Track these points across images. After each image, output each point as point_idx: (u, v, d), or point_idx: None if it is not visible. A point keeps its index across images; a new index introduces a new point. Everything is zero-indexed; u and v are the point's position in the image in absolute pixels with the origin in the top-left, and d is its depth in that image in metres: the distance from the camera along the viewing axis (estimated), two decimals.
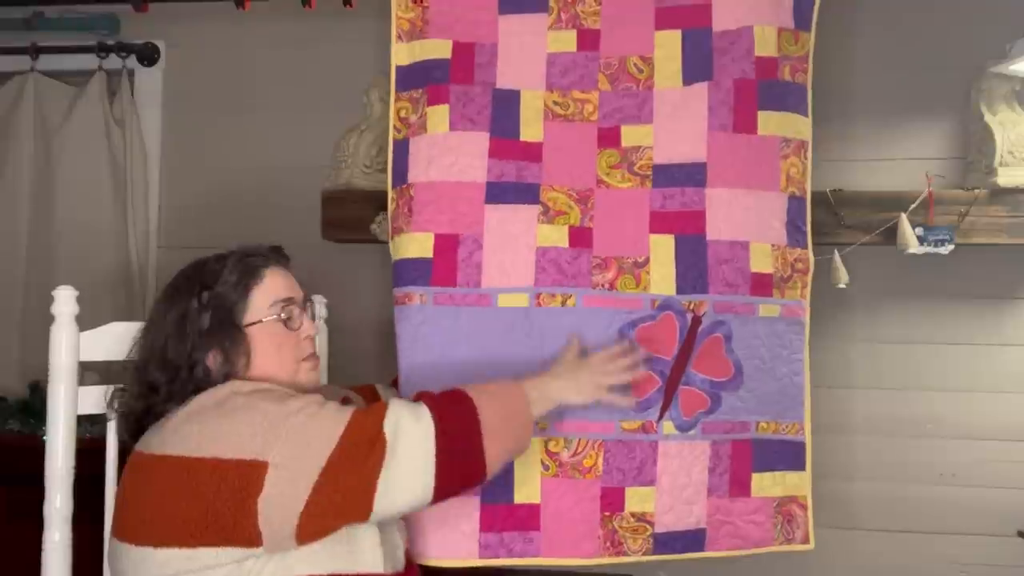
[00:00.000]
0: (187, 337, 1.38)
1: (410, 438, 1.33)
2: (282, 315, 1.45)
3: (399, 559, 1.47)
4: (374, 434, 1.31)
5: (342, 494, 1.28)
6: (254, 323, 1.42)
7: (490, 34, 1.94)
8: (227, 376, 1.39)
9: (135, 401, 1.40)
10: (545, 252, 1.84)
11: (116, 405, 1.47)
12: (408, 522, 1.66)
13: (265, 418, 1.28)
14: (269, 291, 1.45)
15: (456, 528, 1.75)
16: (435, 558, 1.75)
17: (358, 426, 1.32)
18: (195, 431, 1.28)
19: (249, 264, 1.45)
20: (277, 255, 1.51)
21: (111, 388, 1.50)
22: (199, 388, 1.36)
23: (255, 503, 1.23)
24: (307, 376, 1.49)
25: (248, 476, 1.23)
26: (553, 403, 1.59)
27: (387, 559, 1.39)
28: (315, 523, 1.27)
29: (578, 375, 1.64)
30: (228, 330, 1.40)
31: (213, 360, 1.39)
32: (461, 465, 1.39)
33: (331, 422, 1.31)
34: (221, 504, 1.22)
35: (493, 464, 1.44)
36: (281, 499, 1.24)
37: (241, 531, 1.23)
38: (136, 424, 1.40)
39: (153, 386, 1.38)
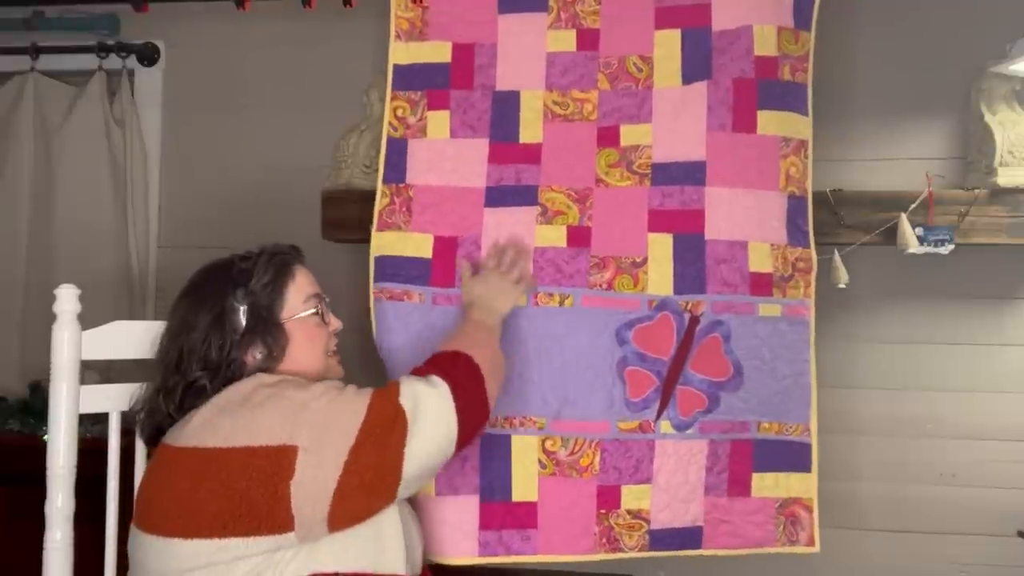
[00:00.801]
0: (226, 335, 1.40)
1: (430, 403, 1.40)
2: (317, 309, 1.51)
3: (417, 561, 1.49)
4: (394, 411, 1.36)
5: (372, 471, 1.32)
6: (291, 318, 1.46)
7: (490, 34, 1.95)
8: (264, 372, 1.42)
9: (166, 400, 1.40)
10: (544, 252, 1.87)
11: (142, 404, 1.47)
12: None
13: (291, 404, 1.32)
14: (302, 287, 1.50)
15: (456, 527, 1.79)
16: (435, 556, 1.78)
17: (379, 405, 1.36)
18: (225, 424, 1.30)
19: (281, 262, 1.49)
20: (299, 253, 1.56)
21: (141, 386, 1.50)
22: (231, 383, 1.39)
23: (287, 488, 1.25)
24: (335, 371, 1.56)
25: (279, 462, 1.26)
26: (500, 319, 1.74)
27: (408, 561, 1.41)
28: (347, 505, 1.29)
29: (494, 287, 1.76)
30: (267, 327, 1.44)
31: (252, 357, 1.42)
32: (475, 414, 1.50)
33: (353, 403, 1.36)
34: (254, 491, 1.24)
35: (493, 402, 1.57)
36: (313, 483, 1.27)
37: (274, 517, 1.24)
38: (161, 423, 1.41)
39: (193, 384, 1.39)
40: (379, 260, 1.89)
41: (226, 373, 1.39)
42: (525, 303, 1.82)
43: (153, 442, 1.43)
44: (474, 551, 1.80)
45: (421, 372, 1.50)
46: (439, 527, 1.79)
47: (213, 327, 1.40)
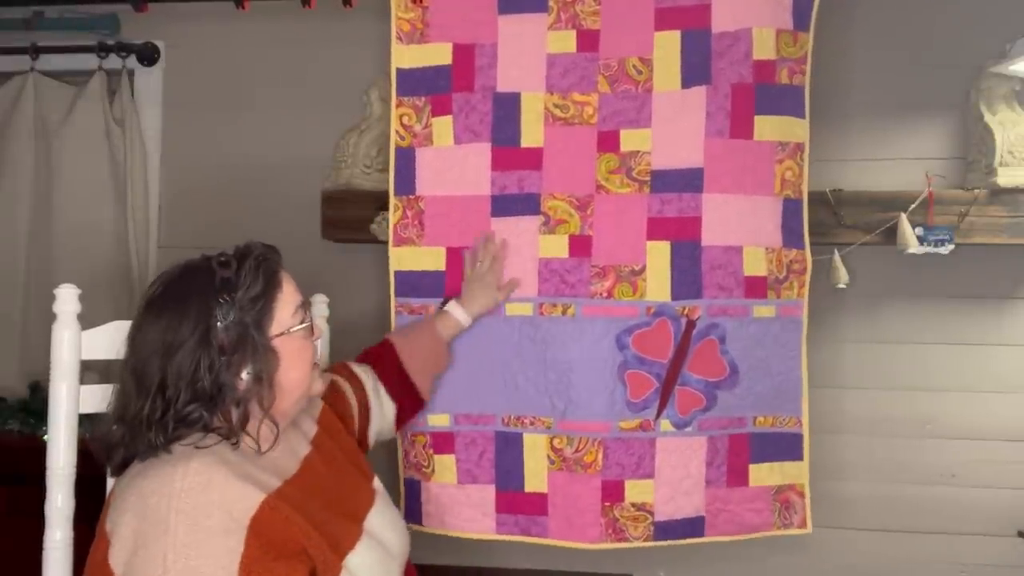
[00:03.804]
0: (213, 356, 1.24)
1: None
2: (305, 322, 1.36)
3: (403, 557, 1.46)
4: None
5: None
6: (281, 334, 1.32)
7: (490, 34, 1.96)
8: (258, 395, 1.28)
9: (157, 432, 1.22)
10: (547, 263, 1.93)
11: (113, 426, 1.29)
12: (437, 500, 1.94)
13: (160, 565, 1.13)
14: (289, 298, 1.34)
15: (477, 508, 1.94)
16: (458, 530, 1.96)
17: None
18: (129, 520, 1.17)
19: (268, 269, 1.32)
20: (280, 256, 1.38)
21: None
22: (219, 412, 1.27)
23: None
24: (317, 386, 1.42)
25: None
26: (464, 325, 1.88)
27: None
28: None
29: (471, 294, 1.89)
30: (256, 346, 1.27)
31: (240, 380, 1.27)
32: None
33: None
34: None
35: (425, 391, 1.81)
36: None
37: None
38: (135, 452, 1.26)
39: (186, 418, 1.23)
40: (398, 275, 1.97)
41: (219, 400, 1.24)
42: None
43: (120, 471, 1.28)
44: (492, 529, 1.95)
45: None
46: (461, 508, 1.95)
47: (200, 347, 1.23)
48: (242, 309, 1.27)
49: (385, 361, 1.80)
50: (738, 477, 1.93)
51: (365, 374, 1.75)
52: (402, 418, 1.82)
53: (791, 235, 1.92)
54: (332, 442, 1.50)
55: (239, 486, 1.20)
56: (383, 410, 1.77)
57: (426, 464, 1.96)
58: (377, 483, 1.53)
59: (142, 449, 1.24)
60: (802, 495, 1.96)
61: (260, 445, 1.28)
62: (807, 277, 1.94)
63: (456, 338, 1.90)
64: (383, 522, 1.43)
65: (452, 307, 1.88)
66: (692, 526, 1.93)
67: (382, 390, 1.77)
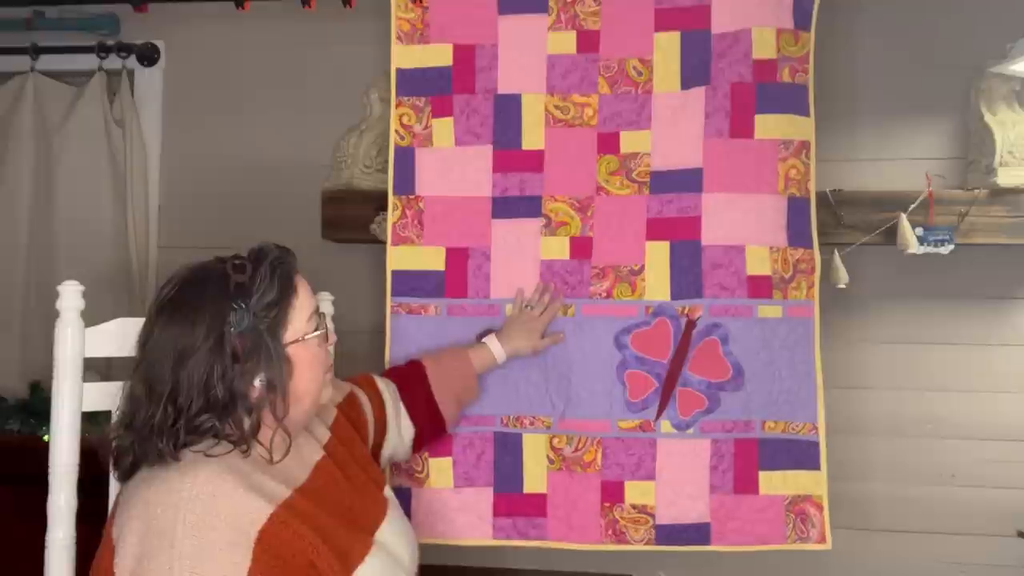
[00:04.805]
0: (227, 364, 1.21)
1: None
2: (320, 329, 1.33)
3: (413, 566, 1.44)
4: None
5: None
6: (295, 342, 1.29)
7: (490, 35, 1.97)
8: (271, 403, 1.25)
9: (167, 439, 1.19)
10: (549, 264, 1.94)
11: (121, 433, 1.26)
12: (429, 507, 1.92)
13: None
14: (304, 304, 1.31)
15: (473, 513, 1.92)
16: (451, 538, 1.92)
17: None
18: (135, 526, 1.15)
19: (284, 274, 1.29)
20: (295, 259, 1.35)
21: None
22: (230, 421, 1.24)
23: None
24: (327, 393, 1.40)
25: None
26: (498, 361, 1.86)
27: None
28: None
29: (513, 334, 1.87)
30: (270, 353, 1.24)
31: (255, 390, 1.24)
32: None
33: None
34: None
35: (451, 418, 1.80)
36: None
37: None
38: (143, 460, 1.23)
39: (196, 426, 1.20)
40: (396, 274, 1.96)
41: (231, 409, 1.22)
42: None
43: (127, 477, 1.26)
44: (489, 534, 1.92)
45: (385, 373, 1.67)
46: (457, 514, 1.91)
47: (213, 354, 1.20)
48: (256, 316, 1.24)
49: (413, 383, 1.77)
50: (746, 484, 1.88)
51: (387, 391, 1.73)
52: (420, 442, 1.79)
53: (797, 234, 1.91)
54: (344, 449, 1.48)
55: (247, 497, 1.18)
56: (400, 431, 1.73)
57: (419, 469, 1.93)
58: (388, 492, 1.50)
59: (151, 456, 1.21)
60: (820, 508, 1.89)
61: (272, 455, 1.25)
62: (816, 277, 1.91)
63: (455, 342, 1.89)
64: (394, 533, 1.41)
65: (490, 341, 1.86)
66: (697, 533, 1.88)
67: (403, 411, 1.74)
